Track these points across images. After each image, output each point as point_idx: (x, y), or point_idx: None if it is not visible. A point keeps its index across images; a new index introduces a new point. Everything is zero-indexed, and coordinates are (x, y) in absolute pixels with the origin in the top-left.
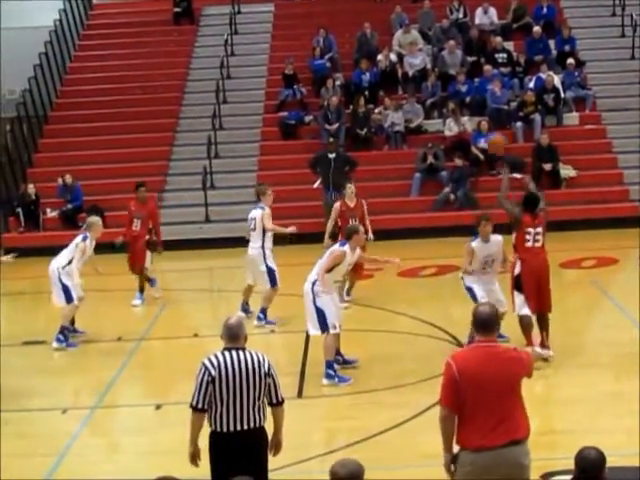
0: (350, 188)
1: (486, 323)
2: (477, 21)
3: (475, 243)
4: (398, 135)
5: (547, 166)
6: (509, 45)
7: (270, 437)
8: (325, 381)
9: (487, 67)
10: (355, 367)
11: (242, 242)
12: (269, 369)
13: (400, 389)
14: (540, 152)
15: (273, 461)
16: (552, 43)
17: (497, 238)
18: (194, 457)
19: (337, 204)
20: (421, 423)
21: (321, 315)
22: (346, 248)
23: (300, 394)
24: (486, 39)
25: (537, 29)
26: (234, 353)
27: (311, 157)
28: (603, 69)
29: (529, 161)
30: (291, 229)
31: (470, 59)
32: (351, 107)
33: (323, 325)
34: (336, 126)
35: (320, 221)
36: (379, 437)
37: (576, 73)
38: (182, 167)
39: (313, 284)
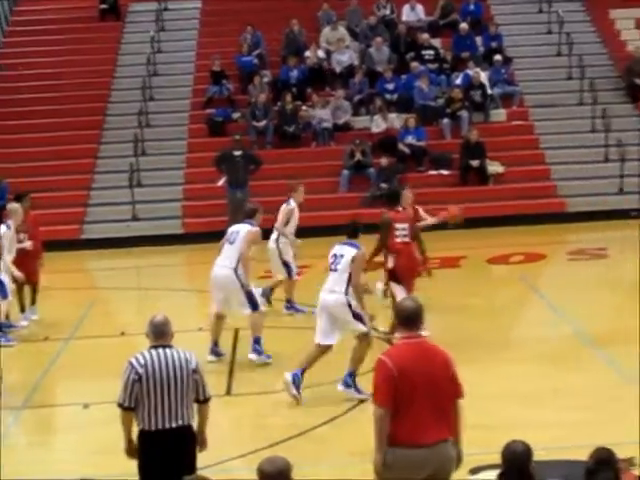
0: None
1: (411, 318)
2: (404, 18)
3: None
4: (326, 132)
5: (474, 162)
6: (436, 42)
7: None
8: (252, 356)
9: (414, 64)
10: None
11: (169, 240)
12: (196, 366)
13: (331, 386)
14: (467, 148)
15: (201, 458)
16: (479, 40)
17: None
18: (131, 453)
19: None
20: (351, 419)
21: (250, 295)
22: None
23: (229, 391)
24: (413, 36)
25: (464, 26)
26: (160, 351)
27: (216, 155)
28: (530, 66)
29: (456, 157)
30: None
31: (397, 56)
32: (279, 104)
33: (254, 304)
34: (264, 123)
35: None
36: (310, 433)
37: (503, 70)
38: (109, 165)
39: (235, 270)
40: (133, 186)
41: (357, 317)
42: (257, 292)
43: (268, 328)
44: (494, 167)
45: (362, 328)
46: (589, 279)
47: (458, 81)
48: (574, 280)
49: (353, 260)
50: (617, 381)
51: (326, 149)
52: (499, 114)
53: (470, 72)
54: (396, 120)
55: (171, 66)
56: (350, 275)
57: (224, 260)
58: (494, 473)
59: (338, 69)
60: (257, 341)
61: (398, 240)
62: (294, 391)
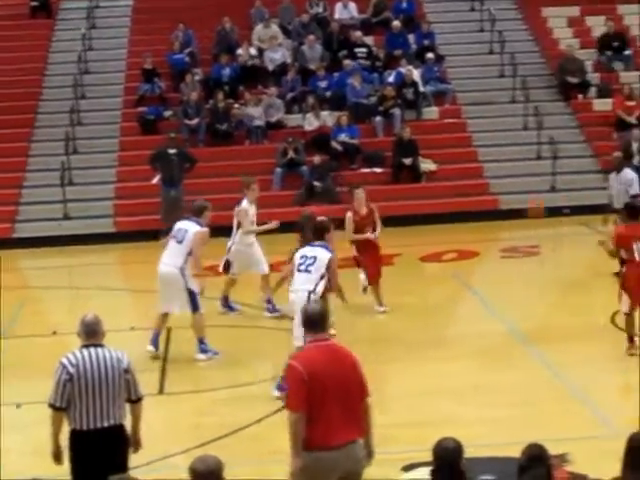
0: (359, 193)
1: (316, 321)
2: (337, 15)
3: None
4: (258, 130)
5: (407, 160)
6: (369, 40)
7: (129, 434)
8: (200, 356)
9: (347, 62)
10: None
11: (101, 239)
12: (127, 366)
13: (262, 384)
14: (400, 146)
15: (135, 458)
16: (412, 38)
17: None
18: (57, 456)
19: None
20: (283, 418)
21: (192, 295)
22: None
23: (162, 390)
24: (346, 34)
25: (396, 24)
26: (92, 350)
27: (151, 152)
28: (462, 63)
29: (389, 155)
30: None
31: (330, 54)
32: (211, 102)
33: (194, 305)
34: (196, 121)
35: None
36: (244, 432)
37: (435, 67)
38: (40, 163)
39: (181, 269)
40: (65, 184)
41: None
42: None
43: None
44: (426, 165)
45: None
46: (522, 276)
47: (391, 79)
48: (507, 277)
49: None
50: (549, 378)
51: (259, 147)
52: (431, 112)
53: (403, 70)
54: (329, 118)
55: (103, 64)
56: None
57: (170, 258)
58: (426, 470)
59: (271, 67)
60: (201, 341)
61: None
62: None
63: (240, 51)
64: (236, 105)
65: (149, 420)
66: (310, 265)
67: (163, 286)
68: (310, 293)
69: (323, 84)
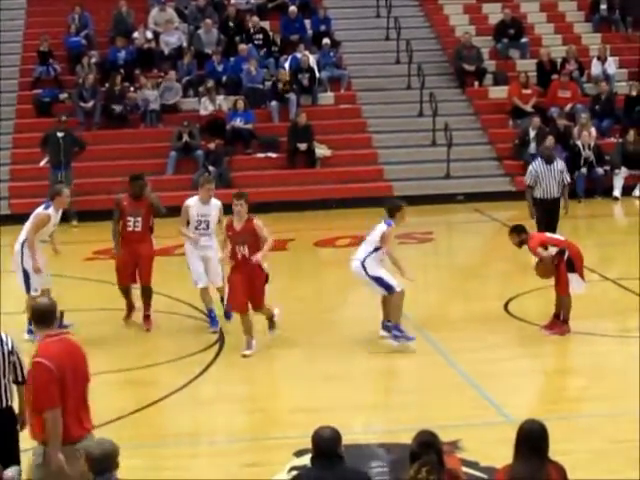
0: (237, 205)
1: (47, 315)
2: (233, 0)
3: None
4: (153, 113)
5: (302, 145)
6: (265, 24)
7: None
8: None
9: (242, 46)
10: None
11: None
12: (12, 348)
13: (153, 368)
14: (295, 131)
15: (25, 441)
16: (308, 23)
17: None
18: None
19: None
20: (176, 401)
21: (26, 276)
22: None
23: None
24: (242, 18)
25: (293, 9)
26: None
27: (42, 135)
28: (358, 49)
29: (284, 140)
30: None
31: (226, 38)
32: (107, 85)
33: (27, 286)
34: (91, 104)
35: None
36: (135, 416)
37: (331, 53)
38: None
39: (21, 247)
40: None
41: None
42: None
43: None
44: (322, 150)
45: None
46: (416, 263)
47: (286, 64)
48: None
49: None
50: (442, 364)
51: (154, 130)
52: (327, 97)
53: (299, 55)
54: (224, 102)
55: None
56: None
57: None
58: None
59: (166, 50)
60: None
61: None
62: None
63: (136, 34)
64: (132, 88)
65: None
66: None
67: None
68: None
69: (219, 68)
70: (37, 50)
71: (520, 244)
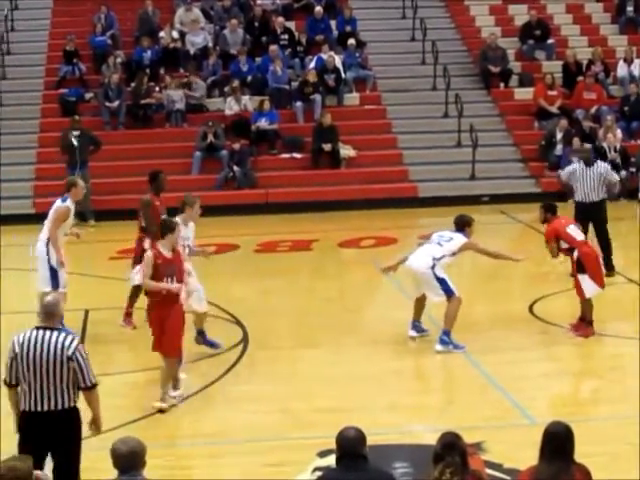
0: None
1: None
2: (259, 0)
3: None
4: (178, 113)
5: (327, 146)
6: (291, 25)
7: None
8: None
9: (273, 47)
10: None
11: (20, 219)
12: (73, 353)
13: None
14: (320, 132)
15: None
16: (333, 23)
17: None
18: (17, 431)
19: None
20: (200, 400)
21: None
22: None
23: None
24: (268, 18)
25: (318, 9)
26: (41, 332)
27: (60, 134)
28: (384, 50)
29: (309, 141)
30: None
31: (252, 38)
32: (132, 85)
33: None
34: (116, 104)
35: None
36: (159, 415)
37: (357, 53)
38: None
39: (47, 244)
40: None
41: None
42: None
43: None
44: (346, 151)
45: None
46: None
47: (312, 64)
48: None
49: None
50: (466, 365)
51: (179, 130)
52: (352, 98)
53: (324, 56)
54: (249, 102)
55: (24, 45)
56: None
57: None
58: None
59: (192, 50)
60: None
61: None
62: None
63: (162, 34)
64: (157, 88)
65: None
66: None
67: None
68: None
69: (244, 68)
70: (63, 49)
71: (543, 222)
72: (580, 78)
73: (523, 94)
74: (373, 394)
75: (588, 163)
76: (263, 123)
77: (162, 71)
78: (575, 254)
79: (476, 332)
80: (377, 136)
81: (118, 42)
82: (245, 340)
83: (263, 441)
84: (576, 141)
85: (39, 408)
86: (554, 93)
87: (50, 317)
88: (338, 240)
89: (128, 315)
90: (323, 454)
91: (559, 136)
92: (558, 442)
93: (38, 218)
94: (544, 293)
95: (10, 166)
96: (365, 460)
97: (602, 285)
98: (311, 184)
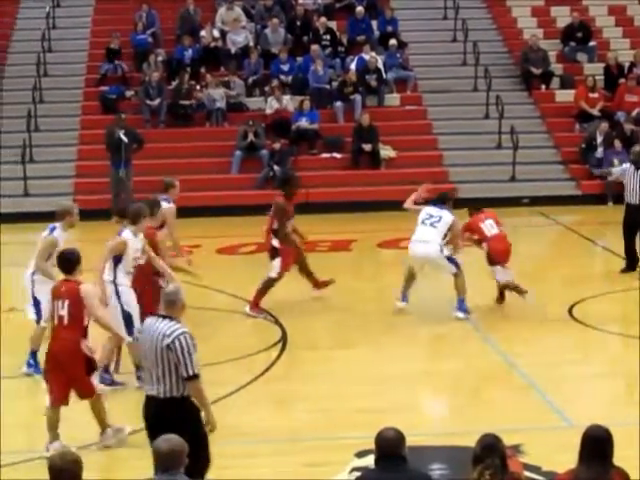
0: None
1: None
2: (301, 0)
3: None
4: (219, 112)
5: (367, 146)
6: (332, 24)
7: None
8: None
9: (314, 47)
10: None
11: None
12: (172, 342)
13: (216, 366)
14: (360, 132)
15: (81, 437)
16: (375, 24)
17: None
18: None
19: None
20: (238, 400)
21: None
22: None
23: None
24: (309, 18)
25: (360, 9)
26: (155, 320)
27: (105, 132)
28: (425, 51)
29: (349, 141)
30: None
31: (293, 38)
32: (173, 83)
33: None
34: (157, 102)
35: None
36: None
37: (398, 54)
38: (1, 140)
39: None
40: (25, 162)
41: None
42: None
43: None
44: (386, 151)
45: None
46: (479, 265)
47: (352, 64)
48: (464, 265)
49: None
50: (504, 367)
51: (219, 129)
52: (393, 98)
53: (366, 56)
54: (290, 102)
55: (66, 42)
56: None
57: None
58: None
59: (233, 49)
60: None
61: None
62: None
63: (203, 33)
64: (198, 87)
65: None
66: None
67: None
68: None
69: (285, 68)
70: (106, 47)
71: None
72: (622, 80)
73: (564, 96)
74: (411, 395)
75: (637, 165)
76: (303, 123)
77: (203, 70)
78: (485, 247)
79: (514, 334)
80: (417, 137)
81: (159, 40)
82: (284, 340)
83: (301, 441)
84: (617, 144)
85: (150, 392)
86: (595, 95)
87: (169, 305)
88: (377, 241)
89: (256, 305)
90: (361, 454)
91: (599, 139)
92: (598, 445)
93: (79, 215)
94: (583, 296)
95: (51, 163)
96: (404, 461)
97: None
98: (351, 184)
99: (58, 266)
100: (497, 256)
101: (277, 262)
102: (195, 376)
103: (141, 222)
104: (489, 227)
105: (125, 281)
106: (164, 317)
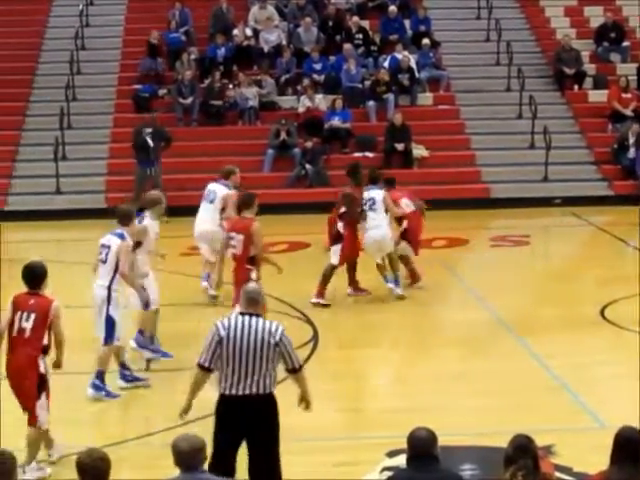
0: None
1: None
2: None
3: None
4: (251, 111)
5: (399, 146)
6: (364, 24)
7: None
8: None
9: (347, 46)
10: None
11: (92, 214)
12: (280, 339)
13: None
14: (393, 131)
15: (117, 435)
16: (407, 23)
17: None
18: (184, 411)
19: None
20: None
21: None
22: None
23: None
24: (342, 17)
25: (392, 8)
26: (246, 318)
27: (132, 131)
28: (458, 50)
29: (381, 140)
30: None
31: (325, 37)
32: (206, 81)
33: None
34: (190, 100)
35: None
36: None
37: (431, 53)
38: (34, 137)
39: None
40: (58, 159)
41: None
42: None
43: None
44: (419, 151)
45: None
46: (511, 266)
47: (385, 64)
48: (496, 266)
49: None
50: (536, 368)
51: (251, 128)
52: (426, 98)
53: (398, 55)
54: (322, 101)
55: (99, 40)
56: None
57: (207, 214)
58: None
59: (266, 48)
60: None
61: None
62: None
63: (236, 31)
64: (230, 85)
65: (133, 397)
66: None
67: (202, 241)
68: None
69: (317, 67)
70: (147, 42)
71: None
72: None
73: (597, 96)
74: (442, 395)
75: None
76: (336, 122)
77: (235, 68)
78: (404, 224)
79: (546, 334)
80: (450, 136)
81: (192, 39)
82: (315, 338)
83: (332, 440)
84: None
85: (240, 392)
86: (628, 96)
87: (252, 304)
88: None
89: (321, 294)
90: (392, 454)
91: (632, 139)
92: (630, 447)
93: (110, 213)
94: (615, 297)
95: (83, 161)
96: (436, 461)
97: (416, 253)
98: None
99: (22, 279)
100: (413, 235)
101: (337, 248)
102: (302, 366)
103: (156, 207)
104: (405, 206)
105: (120, 287)
106: (252, 315)
